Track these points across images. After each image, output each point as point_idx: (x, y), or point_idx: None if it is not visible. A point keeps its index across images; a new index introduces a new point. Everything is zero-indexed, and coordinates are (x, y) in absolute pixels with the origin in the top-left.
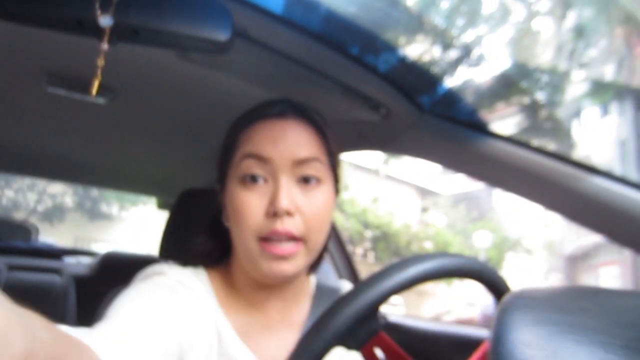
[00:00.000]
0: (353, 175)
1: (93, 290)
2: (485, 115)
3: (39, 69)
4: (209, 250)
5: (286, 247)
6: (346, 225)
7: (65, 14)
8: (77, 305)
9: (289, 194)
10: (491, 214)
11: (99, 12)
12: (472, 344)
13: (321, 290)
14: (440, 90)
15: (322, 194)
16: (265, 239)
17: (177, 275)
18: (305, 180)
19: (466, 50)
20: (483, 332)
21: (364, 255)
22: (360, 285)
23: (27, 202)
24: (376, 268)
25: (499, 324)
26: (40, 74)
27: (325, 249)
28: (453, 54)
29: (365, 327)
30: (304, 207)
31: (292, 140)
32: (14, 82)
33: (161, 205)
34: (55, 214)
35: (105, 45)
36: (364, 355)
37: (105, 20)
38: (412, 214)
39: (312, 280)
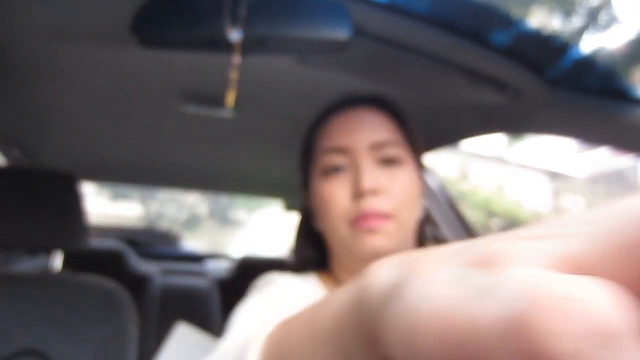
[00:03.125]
0: (473, 164)
1: (234, 291)
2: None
3: (174, 90)
4: (308, 256)
5: (376, 222)
6: (470, 217)
7: (199, 34)
8: (222, 305)
9: (371, 174)
10: (637, 192)
11: (229, 27)
12: None
13: None
14: (569, 60)
15: (405, 173)
16: (355, 220)
17: (286, 282)
18: (386, 161)
19: (593, 15)
20: None
21: None
22: None
23: (169, 212)
24: None
25: None
26: (175, 95)
27: (425, 237)
28: (578, 20)
29: None
30: (390, 186)
31: (368, 126)
32: (152, 105)
33: (288, 207)
34: (192, 222)
35: (237, 59)
36: None
37: (235, 35)
38: (543, 200)
39: None
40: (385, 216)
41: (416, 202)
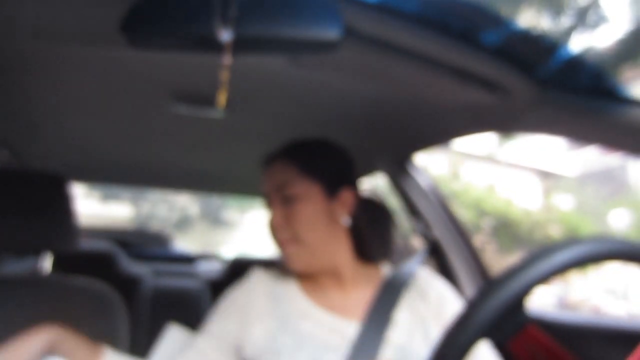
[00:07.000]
0: (464, 163)
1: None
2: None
3: (164, 91)
4: None
5: (287, 246)
6: (461, 216)
7: (190, 34)
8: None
9: (276, 212)
10: (626, 191)
11: (220, 27)
12: (635, 337)
13: (392, 277)
14: (559, 60)
15: (304, 206)
16: (278, 245)
17: (260, 276)
18: (287, 199)
19: (581, 14)
20: None
21: (481, 247)
22: (506, 273)
23: (160, 213)
24: (501, 259)
25: None
26: (165, 95)
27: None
28: (566, 19)
29: (512, 319)
30: (290, 219)
31: (274, 175)
32: (143, 105)
33: None
34: (183, 223)
35: (228, 59)
36: (515, 351)
37: (226, 35)
38: (534, 199)
39: (385, 269)
40: (292, 241)
41: (314, 226)
